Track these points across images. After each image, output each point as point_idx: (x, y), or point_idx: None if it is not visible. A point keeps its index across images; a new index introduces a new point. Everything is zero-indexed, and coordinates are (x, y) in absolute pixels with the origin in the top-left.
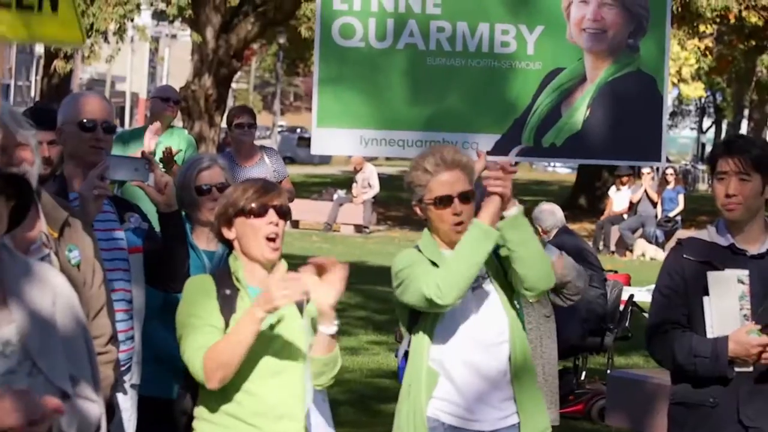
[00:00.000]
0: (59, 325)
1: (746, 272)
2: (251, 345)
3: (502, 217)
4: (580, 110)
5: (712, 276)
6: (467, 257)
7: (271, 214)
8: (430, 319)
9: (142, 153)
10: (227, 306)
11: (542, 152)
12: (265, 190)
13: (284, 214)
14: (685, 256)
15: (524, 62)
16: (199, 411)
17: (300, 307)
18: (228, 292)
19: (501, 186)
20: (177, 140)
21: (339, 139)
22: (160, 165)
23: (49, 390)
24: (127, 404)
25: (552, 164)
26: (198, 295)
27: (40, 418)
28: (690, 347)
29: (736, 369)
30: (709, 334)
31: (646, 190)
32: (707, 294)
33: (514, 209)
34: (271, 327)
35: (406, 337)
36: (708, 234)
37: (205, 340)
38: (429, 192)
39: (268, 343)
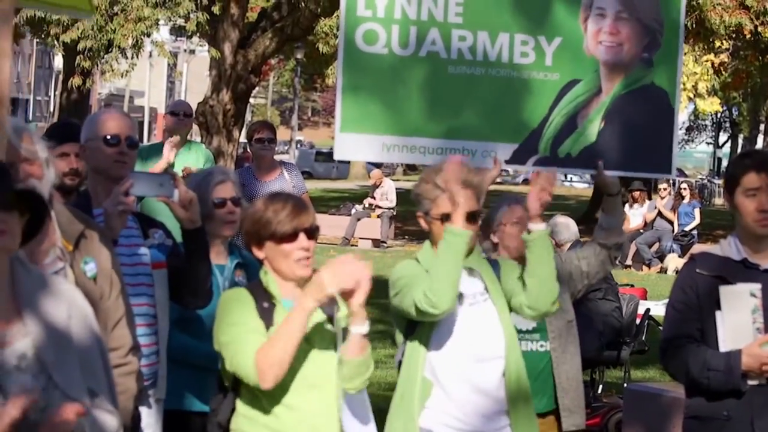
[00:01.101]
0: (74, 338)
1: (758, 286)
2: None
3: (528, 231)
4: (595, 122)
5: (724, 290)
6: (446, 262)
7: (302, 239)
8: (426, 330)
9: (166, 169)
10: (266, 319)
11: (558, 162)
12: (295, 212)
13: (314, 234)
14: (698, 270)
15: (542, 73)
16: (237, 424)
17: (331, 317)
18: (266, 305)
19: (548, 194)
20: (195, 155)
21: (361, 145)
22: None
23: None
24: (151, 419)
25: (569, 178)
26: (237, 305)
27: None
28: (704, 361)
29: (750, 382)
30: (722, 348)
31: (659, 210)
32: (720, 308)
33: (542, 225)
34: (307, 339)
35: (401, 348)
36: (721, 249)
37: (253, 344)
38: (436, 207)
39: (304, 356)
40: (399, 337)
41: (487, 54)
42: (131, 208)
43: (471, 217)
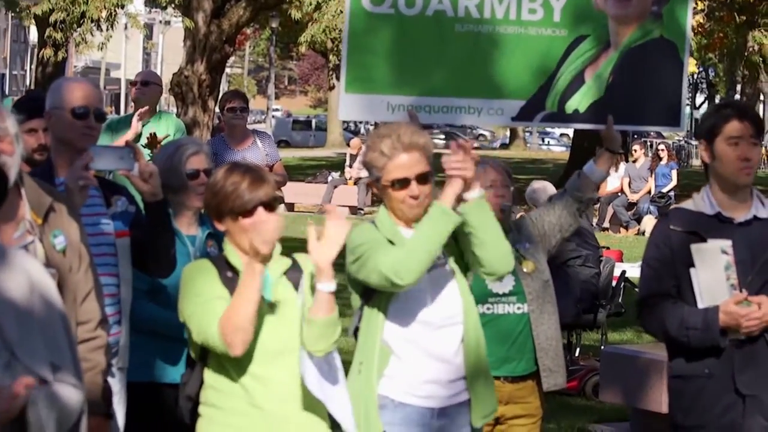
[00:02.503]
0: (37, 313)
1: (729, 242)
2: (258, 302)
3: (464, 200)
4: (603, 77)
5: (696, 248)
6: (427, 239)
7: (260, 213)
8: (385, 298)
9: (127, 142)
10: (230, 288)
11: (566, 118)
12: (253, 185)
13: (273, 206)
14: (671, 227)
15: (550, 29)
16: (206, 396)
17: (296, 285)
18: (229, 275)
19: (461, 169)
20: (165, 125)
21: (366, 105)
22: (146, 151)
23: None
24: (116, 388)
25: (547, 142)
26: (201, 275)
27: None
28: (681, 319)
29: (729, 337)
30: (700, 305)
31: (622, 185)
32: (694, 266)
33: (476, 192)
34: (271, 308)
35: (357, 313)
36: (694, 203)
37: (217, 312)
38: (386, 173)
39: (270, 325)
40: (355, 302)
41: (494, 11)
42: (92, 183)
43: (422, 179)
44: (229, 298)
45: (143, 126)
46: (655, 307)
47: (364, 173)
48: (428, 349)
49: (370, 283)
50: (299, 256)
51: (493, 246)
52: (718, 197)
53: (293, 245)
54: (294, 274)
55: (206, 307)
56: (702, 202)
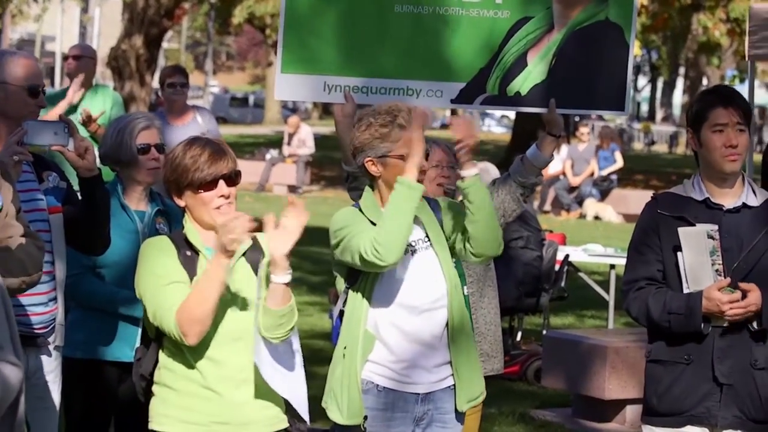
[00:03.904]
0: None
1: (715, 227)
2: (221, 295)
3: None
4: (546, 59)
5: (683, 231)
6: (397, 215)
7: (221, 187)
8: (370, 281)
9: (61, 116)
10: (189, 267)
11: (507, 101)
12: (214, 158)
13: (234, 180)
14: (659, 211)
15: (492, 11)
16: (160, 376)
17: (255, 267)
18: (188, 253)
19: (472, 138)
20: (101, 98)
21: (303, 86)
22: (80, 128)
23: None
24: (51, 366)
25: (487, 123)
26: (159, 255)
27: None
28: (664, 303)
29: (711, 325)
30: (685, 290)
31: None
32: (681, 250)
33: (474, 169)
34: (230, 292)
35: (342, 297)
36: (683, 189)
37: (176, 298)
38: (399, 147)
39: (227, 309)
40: (340, 285)
41: None
42: (28, 158)
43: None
44: (187, 280)
45: (80, 101)
46: (640, 291)
47: (302, 151)
48: (412, 333)
49: (355, 266)
50: (260, 236)
51: (486, 226)
52: (707, 184)
53: None
54: (253, 254)
55: (164, 291)
56: (691, 187)
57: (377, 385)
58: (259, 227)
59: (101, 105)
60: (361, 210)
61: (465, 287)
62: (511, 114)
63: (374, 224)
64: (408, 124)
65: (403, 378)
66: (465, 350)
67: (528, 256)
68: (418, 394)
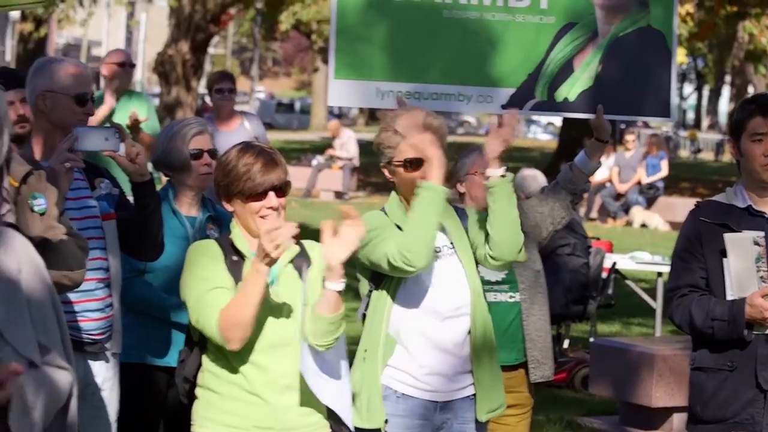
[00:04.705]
0: (25, 292)
1: (761, 234)
2: (262, 301)
3: (487, 177)
4: (592, 65)
5: (728, 238)
6: (423, 220)
7: (271, 198)
8: (393, 285)
9: (111, 122)
10: (234, 273)
11: (555, 107)
12: (266, 168)
13: (284, 191)
14: (702, 218)
15: (538, 16)
16: (203, 379)
17: (299, 272)
18: (234, 258)
19: (507, 139)
20: (136, 104)
21: (355, 91)
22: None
23: (17, 361)
24: (109, 373)
25: (532, 131)
26: (206, 259)
27: None
28: (707, 310)
29: (754, 332)
30: (729, 297)
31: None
32: (725, 256)
33: (501, 169)
34: (275, 298)
35: (364, 300)
36: (726, 196)
37: (219, 303)
38: (399, 153)
39: (272, 315)
40: (363, 288)
41: None
42: (79, 165)
43: None
44: (232, 286)
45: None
46: (683, 298)
47: (343, 153)
48: (434, 339)
49: (381, 269)
50: (308, 243)
51: (508, 230)
52: (749, 192)
53: None
54: (300, 261)
55: (209, 296)
56: (734, 195)
57: (395, 391)
58: (303, 235)
59: (138, 112)
60: (386, 214)
61: (518, 293)
62: (557, 121)
63: (400, 228)
64: (405, 130)
65: (423, 385)
66: (487, 359)
67: (575, 263)
68: (438, 402)
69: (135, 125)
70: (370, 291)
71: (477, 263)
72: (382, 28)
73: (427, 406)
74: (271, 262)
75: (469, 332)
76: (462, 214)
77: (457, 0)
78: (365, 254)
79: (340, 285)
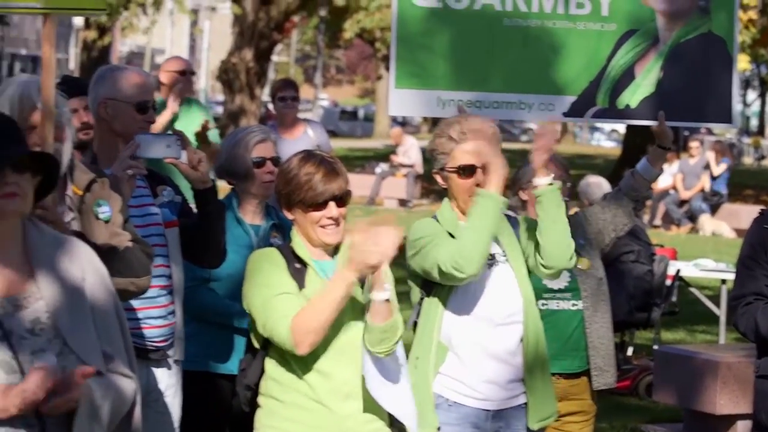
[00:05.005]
0: (89, 300)
1: None
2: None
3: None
4: (653, 72)
5: None
6: (479, 228)
7: (331, 208)
8: (444, 292)
9: (173, 129)
10: (298, 280)
11: (617, 114)
12: (327, 178)
13: (345, 200)
14: (765, 226)
15: (599, 23)
16: (266, 387)
17: (362, 282)
18: (297, 266)
19: (549, 146)
20: (196, 113)
21: (416, 101)
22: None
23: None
24: (172, 380)
25: (596, 138)
26: (269, 266)
27: (65, 389)
28: None
29: None
30: None
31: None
32: None
33: (548, 178)
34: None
35: (415, 308)
36: None
37: (288, 308)
38: (452, 160)
39: (337, 320)
40: (414, 296)
41: (542, 5)
42: (142, 172)
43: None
44: (297, 291)
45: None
46: (748, 306)
47: (405, 160)
48: (487, 347)
49: (432, 276)
50: None
51: (556, 236)
52: None
53: None
54: None
55: (276, 301)
56: None
57: (447, 399)
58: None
59: (199, 119)
60: (438, 221)
61: (580, 301)
62: (621, 128)
63: (452, 236)
64: (460, 137)
65: (476, 393)
66: (539, 368)
67: (639, 270)
68: (490, 410)
69: (203, 132)
70: (422, 299)
71: (529, 272)
72: (443, 37)
73: (479, 414)
74: (366, 269)
75: (521, 340)
76: (514, 223)
77: (518, 8)
78: (417, 261)
79: (385, 294)
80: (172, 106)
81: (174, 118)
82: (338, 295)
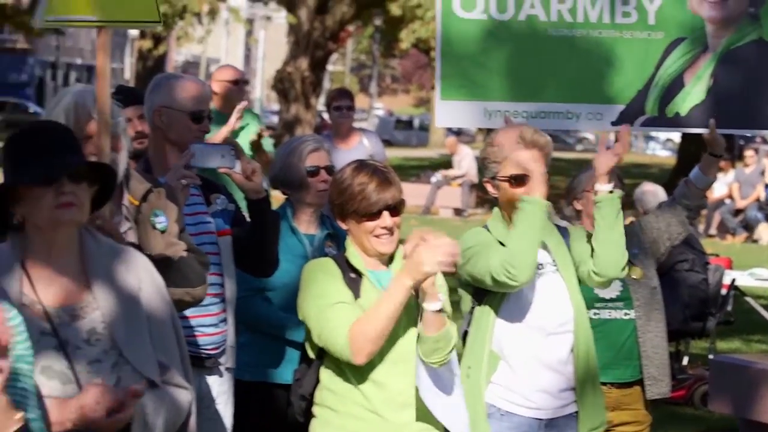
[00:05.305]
0: (145, 311)
1: None
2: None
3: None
4: (703, 79)
5: None
6: (524, 233)
7: (385, 217)
8: (496, 301)
9: (227, 139)
10: (353, 290)
11: (667, 122)
12: (381, 188)
13: (398, 210)
14: None
15: (646, 32)
16: (321, 397)
17: (416, 291)
18: (352, 275)
19: (617, 156)
20: (250, 122)
21: (463, 112)
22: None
23: (137, 380)
24: (223, 387)
25: (651, 147)
26: (324, 276)
27: (119, 408)
28: None
29: None
30: None
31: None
32: None
33: (609, 185)
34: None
35: (466, 317)
36: None
37: (344, 318)
38: (504, 169)
39: (393, 330)
40: (465, 306)
41: (587, 15)
42: (195, 181)
43: None
44: (352, 301)
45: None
46: None
47: (457, 170)
48: (539, 356)
49: (484, 284)
50: None
51: (611, 244)
52: None
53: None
54: None
55: (331, 311)
56: None
57: (499, 408)
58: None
59: (252, 128)
60: (489, 230)
61: (632, 310)
62: (676, 137)
63: (503, 244)
64: (511, 146)
65: (528, 402)
66: (590, 377)
67: (694, 278)
68: (542, 419)
69: (258, 140)
70: (473, 308)
71: (579, 281)
72: (488, 48)
73: (531, 423)
74: (424, 277)
75: (572, 350)
76: (564, 233)
77: (563, 18)
78: (467, 270)
79: (436, 304)
80: (233, 122)
81: (234, 132)
82: (396, 303)
